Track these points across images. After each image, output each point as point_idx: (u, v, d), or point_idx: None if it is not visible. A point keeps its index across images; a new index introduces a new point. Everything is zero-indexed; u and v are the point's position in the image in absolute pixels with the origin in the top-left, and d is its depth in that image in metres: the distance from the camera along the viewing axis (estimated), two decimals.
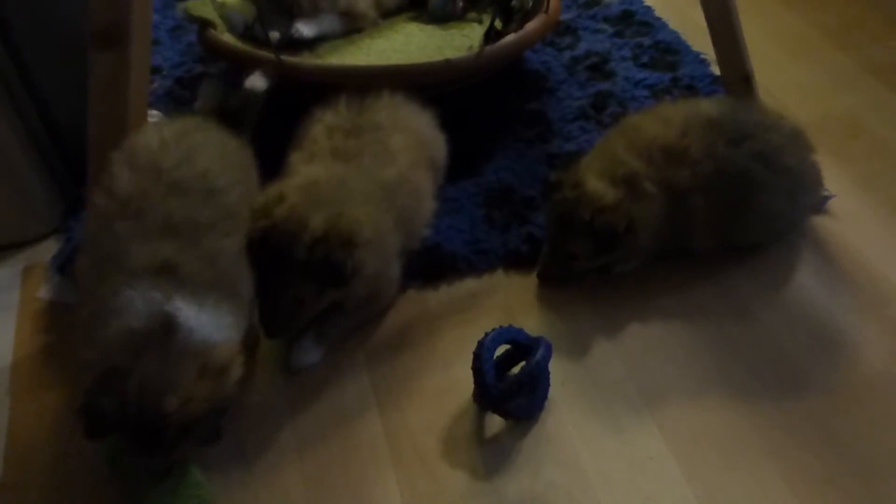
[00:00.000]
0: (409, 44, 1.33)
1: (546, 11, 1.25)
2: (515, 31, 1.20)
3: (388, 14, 1.43)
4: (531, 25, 1.23)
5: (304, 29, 1.26)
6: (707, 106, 1.08)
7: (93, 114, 0.93)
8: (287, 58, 1.15)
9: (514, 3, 1.21)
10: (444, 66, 1.15)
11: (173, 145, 0.88)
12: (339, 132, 1.01)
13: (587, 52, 1.45)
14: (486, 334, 0.91)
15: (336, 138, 1.00)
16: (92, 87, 0.91)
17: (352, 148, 0.99)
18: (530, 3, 1.23)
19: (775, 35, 1.54)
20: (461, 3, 1.41)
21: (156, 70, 1.47)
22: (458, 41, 1.32)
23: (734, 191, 1.03)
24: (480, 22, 1.39)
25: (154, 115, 1.29)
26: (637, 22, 1.54)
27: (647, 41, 1.48)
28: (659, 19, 1.55)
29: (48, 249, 1.14)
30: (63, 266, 1.07)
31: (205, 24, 1.27)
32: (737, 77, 1.14)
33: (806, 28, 1.56)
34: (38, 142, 1.13)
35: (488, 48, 1.17)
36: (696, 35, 1.50)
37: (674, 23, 1.55)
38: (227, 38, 1.26)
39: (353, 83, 1.11)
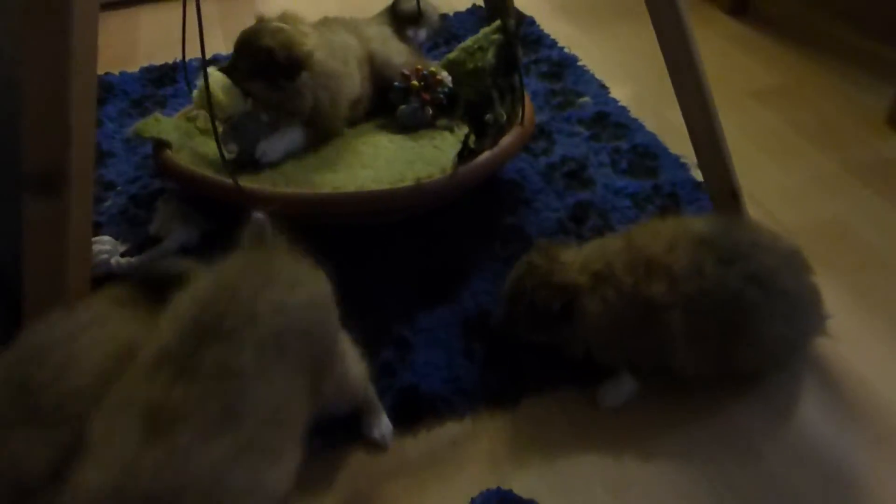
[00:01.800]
0: (377, 157, 1.26)
1: (521, 123, 1.19)
2: (490, 147, 1.14)
3: (354, 122, 1.37)
4: (507, 140, 1.16)
5: (270, 152, 1.19)
6: (699, 224, 1.02)
7: (28, 264, 0.84)
8: (245, 185, 1.07)
9: (487, 117, 1.15)
10: (416, 190, 1.08)
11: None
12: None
13: (563, 157, 1.39)
14: (472, 501, 0.82)
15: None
16: (27, 235, 0.83)
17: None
18: (504, 117, 1.17)
19: (753, 134, 1.50)
20: (430, 111, 1.36)
21: (109, 186, 1.39)
22: (429, 153, 1.26)
23: (724, 314, 0.96)
24: (452, 131, 1.33)
25: (105, 241, 1.21)
26: (612, 124, 1.49)
27: (624, 145, 1.43)
28: (635, 120, 1.50)
29: None
30: None
31: (159, 144, 1.20)
32: (724, 192, 1.08)
33: (783, 126, 1.52)
34: None
35: (462, 168, 1.11)
36: (673, 136, 1.46)
37: (650, 124, 1.50)
38: (184, 159, 1.18)
39: (319, 212, 1.03)
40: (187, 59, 1.36)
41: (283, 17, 1.26)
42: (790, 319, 0.99)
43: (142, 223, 1.28)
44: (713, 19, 1.90)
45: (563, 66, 1.69)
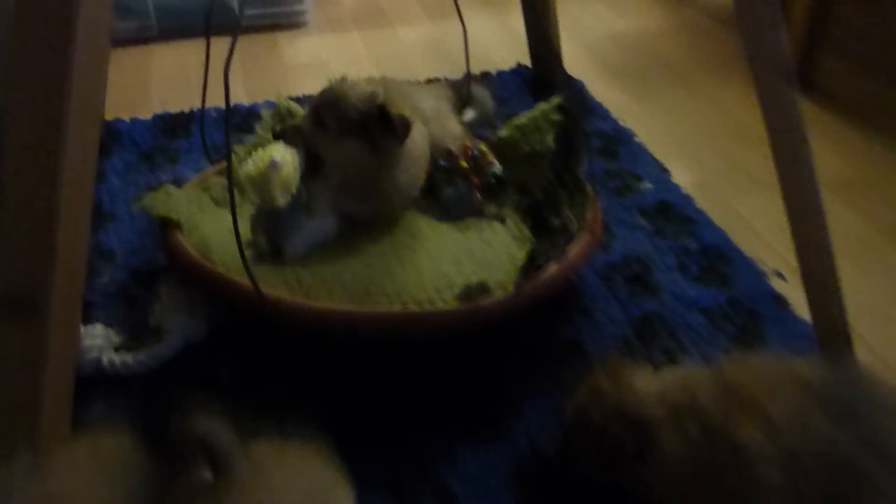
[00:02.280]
0: (418, 251, 1.10)
1: (591, 230, 1.03)
2: (556, 258, 0.97)
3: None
4: (575, 250, 1.00)
5: (301, 246, 1.03)
6: (806, 369, 0.85)
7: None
8: (267, 291, 0.90)
9: (554, 222, 0.98)
10: (473, 314, 0.91)
11: None
12: None
13: (625, 256, 1.23)
14: None
15: None
16: None
17: None
18: (575, 224, 1.00)
19: (840, 241, 1.33)
20: (479, 197, 1.20)
21: (108, 256, 1.22)
22: (479, 250, 1.09)
23: (832, 481, 0.79)
24: (503, 221, 1.17)
25: (97, 332, 1.04)
26: (677, 216, 1.33)
27: (692, 244, 1.26)
28: (701, 213, 1.34)
29: None
30: None
31: (167, 225, 1.03)
32: (835, 336, 0.91)
33: (865, 228, 1.36)
34: None
35: (526, 287, 0.94)
36: (744, 233, 1.30)
37: (718, 216, 1.34)
38: (195, 240, 1.02)
39: (354, 332, 0.87)
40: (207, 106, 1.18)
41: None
42: None
43: (142, 306, 1.11)
44: None
45: (617, 142, 1.53)
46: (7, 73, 0.62)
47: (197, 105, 1.60)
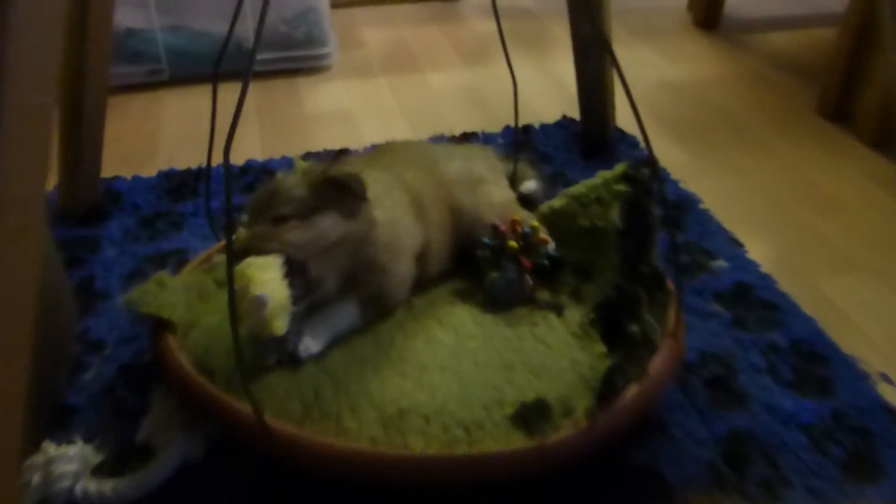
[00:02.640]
0: (460, 353, 0.91)
1: (675, 335, 0.84)
2: (637, 377, 0.78)
3: (423, 284, 1.02)
4: (658, 364, 0.81)
5: (314, 344, 0.85)
6: None
7: None
8: (278, 427, 0.72)
9: (633, 330, 0.79)
10: (535, 455, 0.72)
11: None
12: None
13: (703, 354, 1.04)
14: None
15: None
16: None
17: None
18: (658, 332, 0.81)
19: None
20: (531, 283, 1.01)
21: (96, 346, 1.05)
22: (533, 352, 0.91)
23: None
24: (559, 312, 0.99)
25: (72, 455, 0.86)
26: (759, 302, 1.13)
27: (780, 339, 1.07)
28: (785, 297, 1.15)
29: None
30: None
31: (160, 325, 0.86)
32: None
33: None
34: None
35: (601, 416, 0.75)
36: (840, 325, 1.11)
37: (805, 301, 1.15)
38: (191, 349, 0.84)
39: (384, 477, 0.68)
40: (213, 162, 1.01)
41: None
42: None
43: (131, 415, 0.93)
44: (852, 153, 1.55)
45: (682, 210, 1.34)
46: None
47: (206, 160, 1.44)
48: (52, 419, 0.94)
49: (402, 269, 0.98)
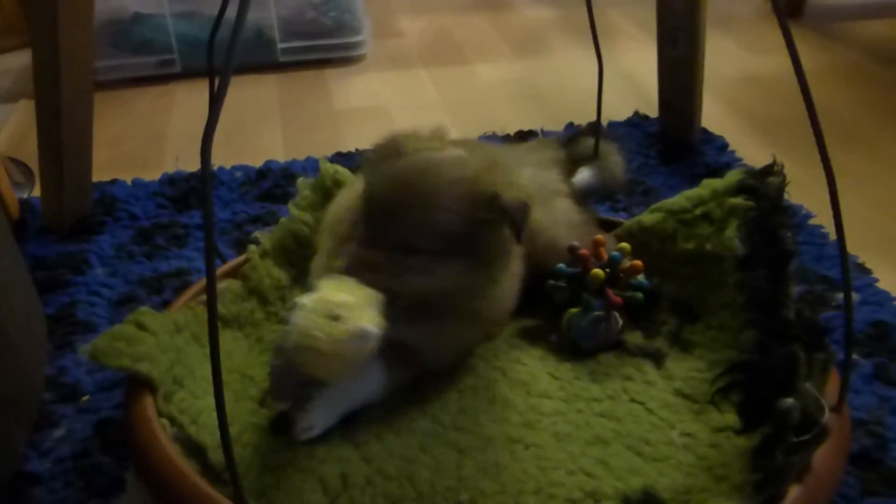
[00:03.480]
0: (538, 422, 0.69)
1: (839, 410, 0.60)
2: (798, 467, 0.54)
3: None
4: (824, 454, 0.57)
5: (306, 422, 0.62)
6: None
7: None
8: None
9: (789, 405, 0.56)
10: None
11: None
12: None
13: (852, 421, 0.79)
14: None
15: None
16: None
17: None
18: (825, 409, 0.58)
19: None
20: (620, 323, 0.78)
21: (71, 394, 0.84)
22: (631, 421, 0.69)
23: None
24: (658, 362, 0.76)
25: None
26: None
27: None
28: None
29: None
30: None
31: (135, 383, 0.64)
32: None
33: None
34: None
35: None
36: None
37: None
38: (174, 416, 0.62)
39: None
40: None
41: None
42: None
43: (107, 489, 0.72)
44: None
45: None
46: None
47: (218, 161, 1.23)
48: (6, 489, 0.73)
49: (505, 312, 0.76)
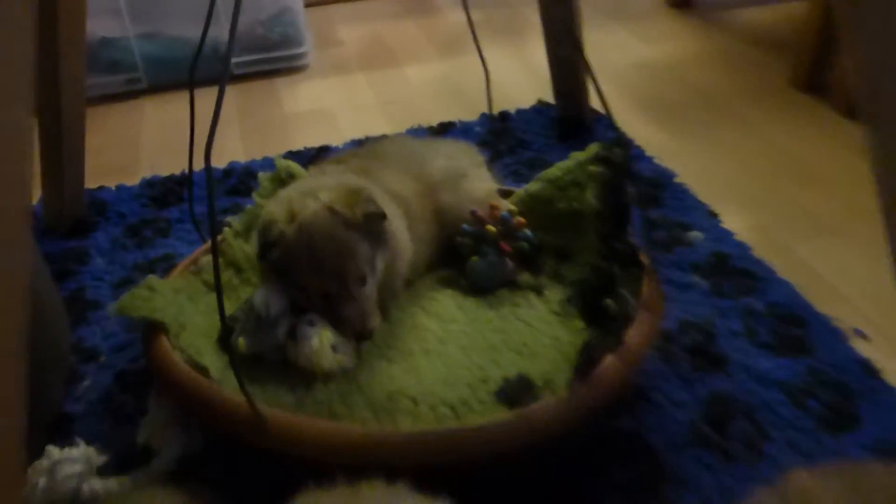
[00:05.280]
0: (445, 338, 0.94)
1: (651, 308, 0.87)
2: (614, 347, 0.81)
3: (410, 281, 1.05)
4: (635, 336, 0.83)
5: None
6: None
7: None
8: (272, 414, 0.74)
9: (609, 305, 0.82)
10: (517, 424, 0.75)
11: None
12: None
13: (682, 322, 1.06)
14: None
15: None
16: None
17: None
18: (632, 303, 0.84)
19: None
20: (511, 266, 1.04)
21: (90, 355, 1.07)
22: (516, 333, 0.94)
23: None
24: (540, 292, 1.01)
25: (76, 456, 0.88)
26: (736, 270, 1.16)
27: (757, 304, 1.10)
28: (761, 264, 1.18)
29: None
30: None
31: (151, 328, 0.88)
32: None
33: None
34: None
35: (582, 387, 0.77)
36: (816, 287, 1.14)
37: (781, 267, 1.17)
38: (185, 346, 0.86)
39: (380, 459, 0.71)
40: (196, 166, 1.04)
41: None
42: None
43: (129, 418, 0.96)
44: (827, 122, 1.58)
45: (658, 186, 1.37)
46: None
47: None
48: (52, 427, 0.96)
49: (400, 282, 1.01)
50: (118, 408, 0.98)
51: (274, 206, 0.93)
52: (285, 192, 0.98)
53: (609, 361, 0.79)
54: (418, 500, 0.60)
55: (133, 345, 1.07)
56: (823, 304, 1.10)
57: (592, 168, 1.04)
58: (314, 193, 0.92)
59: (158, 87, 1.83)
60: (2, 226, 0.53)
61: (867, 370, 0.99)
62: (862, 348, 1.03)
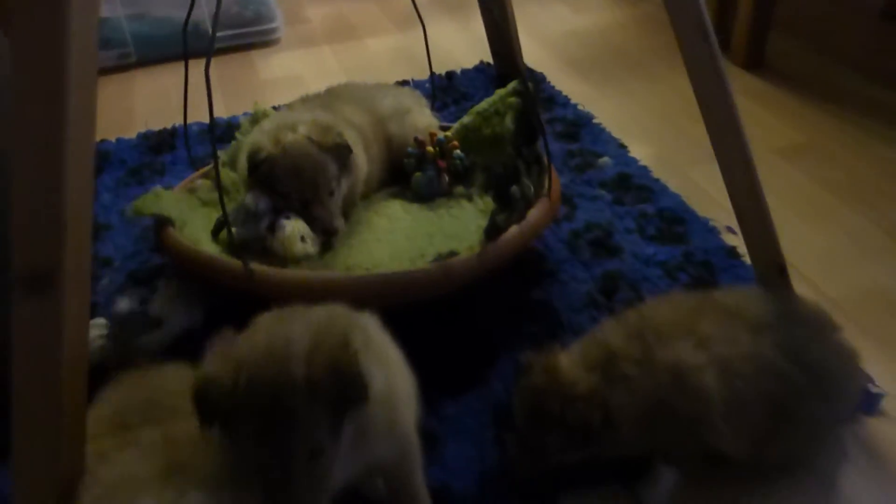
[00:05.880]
0: (393, 230, 1.19)
1: (548, 195, 1.12)
2: (517, 221, 1.06)
3: (366, 195, 1.30)
4: (534, 214, 1.09)
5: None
6: (725, 296, 0.93)
7: (18, 363, 0.75)
8: (258, 268, 0.99)
9: (513, 190, 1.07)
10: (442, 272, 1.00)
11: None
12: None
13: (587, 223, 1.32)
14: None
15: None
16: (17, 337, 0.74)
17: None
18: (532, 190, 1.10)
19: (781, 193, 1.42)
20: (447, 179, 1.29)
21: (106, 262, 1.30)
22: (449, 225, 1.19)
23: (760, 381, 0.86)
24: (470, 198, 1.26)
25: (100, 323, 1.12)
26: (635, 186, 1.42)
27: (650, 209, 1.36)
28: (657, 181, 1.44)
29: None
30: None
31: (161, 222, 1.12)
32: (770, 267, 1.00)
33: (812, 185, 1.46)
34: None
35: (490, 247, 1.03)
36: (700, 199, 1.40)
37: (673, 184, 1.43)
38: (188, 237, 1.10)
39: (335, 297, 0.95)
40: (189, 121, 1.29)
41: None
42: (825, 398, 0.89)
43: (141, 303, 1.19)
44: (728, 73, 1.83)
45: (578, 126, 1.62)
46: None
47: (179, 121, 1.69)
48: None
49: (358, 194, 1.26)
50: (129, 294, 1.21)
51: (259, 136, 1.18)
52: (267, 125, 1.23)
53: (512, 231, 1.05)
54: (351, 313, 0.79)
55: (140, 253, 1.31)
56: (704, 210, 1.36)
57: (511, 99, 1.29)
58: (293, 126, 1.17)
59: (147, 61, 2.06)
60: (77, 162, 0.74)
61: (731, 254, 1.25)
62: (730, 240, 1.29)
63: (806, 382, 0.86)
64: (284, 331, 0.69)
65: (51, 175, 0.72)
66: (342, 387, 0.66)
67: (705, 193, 1.42)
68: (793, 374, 0.86)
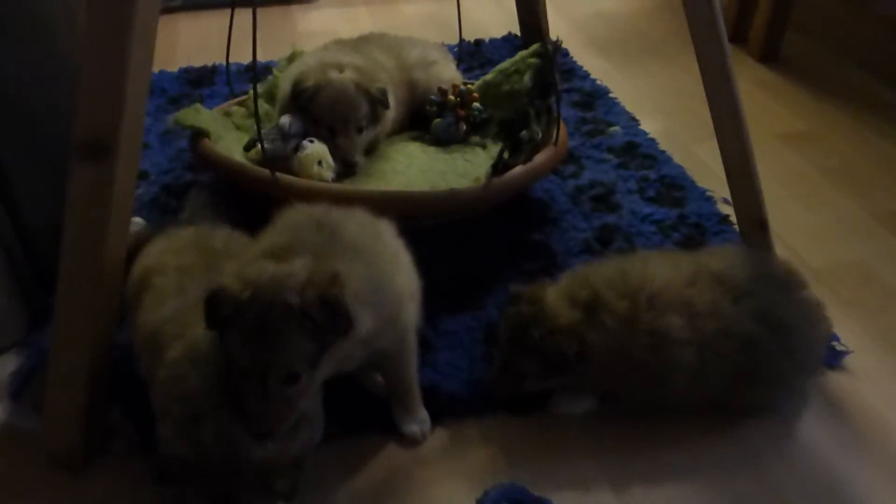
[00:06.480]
0: (410, 165, 1.28)
1: (556, 144, 1.21)
2: (524, 163, 1.16)
3: (390, 133, 1.39)
4: (540, 158, 1.18)
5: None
6: (715, 260, 1.01)
7: (70, 222, 0.85)
8: (282, 176, 1.09)
9: (523, 134, 1.17)
10: (449, 196, 1.09)
11: None
12: None
13: (591, 181, 1.41)
14: (487, 493, 0.82)
15: None
16: (71, 196, 0.84)
17: None
18: (539, 135, 1.19)
19: (779, 175, 1.50)
20: (464, 127, 1.38)
21: (143, 175, 1.41)
22: (461, 166, 1.28)
23: (734, 356, 0.95)
24: (484, 147, 1.35)
25: (137, 221, 1.22)
26: (641, 154, 1.51)
27: (652, 174, 1.44)
28: (663, 153, 1.52)
29: (6, 364, 1.05)
30: (19, 391, 0.97)
31: (198, 134, 1.22)
32: (751, 222, 1.09)
33: (810, 170, 1.54)
34: (6, 246, 1.06)
35: (495, 180, 1.12)
36: (701, 172, 1.48)
37: (678, 157, 1.52)
38: (221, 149, 1.20)
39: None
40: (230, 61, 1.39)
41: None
42: (791, 354, 0.97)
43: (173, 211, 1.30)
44: (743, 64, 1.92)
45: (594, 97, 1.71)
46: None
47: (218, 60, 1.79)
48: None
49: (385, 133, 1.36)
50: (164, 206, 1.32)
51: (304, 67, 1.28)
52: (309, 59, 1.32)
53: (518, 169, 1.14)
54: (366, 216, 0.89)
55: (174, 170, 1.42)
56: (704, 182, 1.45)
57: (531, 60, 1.38)
58: (339, 65, 1.26)
59: (190, 6, 2.16)
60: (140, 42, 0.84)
61: (722, 220, 1.34)
62: (724, 209, 1.37)
63: (774, 342, 0.94)
64: (287, 267, 0.75)
65: (117, 50, 0.81)
66: (330, 319, 0.72)
67: (707, 168, 1.51)
68: (763, 338, 0.94)
